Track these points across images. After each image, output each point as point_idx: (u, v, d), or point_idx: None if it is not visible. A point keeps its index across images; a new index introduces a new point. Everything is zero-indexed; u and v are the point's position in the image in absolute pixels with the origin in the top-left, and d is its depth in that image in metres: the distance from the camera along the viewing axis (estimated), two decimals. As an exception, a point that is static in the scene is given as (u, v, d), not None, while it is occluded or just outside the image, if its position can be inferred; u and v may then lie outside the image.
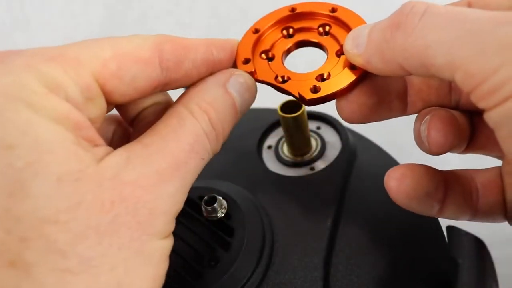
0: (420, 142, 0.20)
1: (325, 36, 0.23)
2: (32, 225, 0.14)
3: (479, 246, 0.18)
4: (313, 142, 0.28)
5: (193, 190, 0.25)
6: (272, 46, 0.23)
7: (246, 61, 0.22)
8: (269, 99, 0.29)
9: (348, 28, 0.22)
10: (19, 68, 0.15)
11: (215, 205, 0.23)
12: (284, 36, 0.24)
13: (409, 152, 0.25)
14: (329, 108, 0.27)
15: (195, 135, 0.17)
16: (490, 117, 0.15)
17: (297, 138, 0.26)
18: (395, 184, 0.20)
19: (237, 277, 0.21)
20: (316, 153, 0.27)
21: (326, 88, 0.20)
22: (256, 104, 0.34)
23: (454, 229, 0.19)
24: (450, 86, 0.21)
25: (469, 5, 0.19)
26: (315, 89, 0.20)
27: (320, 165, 0.26)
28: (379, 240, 0.23)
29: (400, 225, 0.23)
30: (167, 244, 0.17)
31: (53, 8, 0.56)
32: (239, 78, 0.20)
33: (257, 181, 0.26)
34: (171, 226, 0.17)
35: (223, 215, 0.23)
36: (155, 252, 0.16)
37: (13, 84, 0.15)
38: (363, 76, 0.20)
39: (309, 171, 0.26)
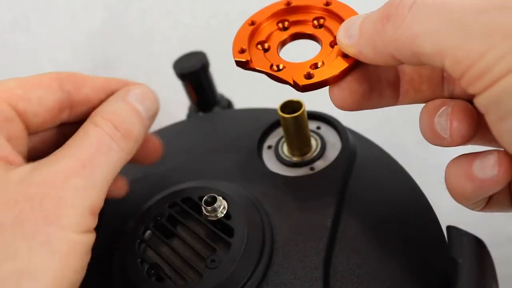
0: (434, 135, 0.19)
1: (319, 29, 0.23)
2: None
3: (479, 246, 0.18)
4: (313, 142, 0.28)
5: (193, 190, 0.25)
6: (268, 37, 0.24)
7: (242, 50, 0.23)
8: (269, 99, 0.29)
9: (341, 21, 0.22)
10: None
11: (215, 205, 0.23)
12: (280, 29, 0.24)
13: (409, 152, 0.25)
14: (329, 108, 0.27)
15: (99, 138, 0.20)
16: (479, 102, 0.15)
17: (297, 138, 0.26)
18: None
19: (237, 277, 0.21)
20: (316, 153, 0.27)
21: (320, 75, 0.21)
22: (256, 104, 0.34)
23: (454, 229, 0.19)
24: (442, 76, 0.21)
25: None
26: (309, 76, 0.21)
27: (320, 165, 0.26)
28: (379, 240, 0.23)
29: (400, 225, 0.23)
30: (84, 238, 0.18)
31: (53, 8, 0.56)
32: (136, 89, 0.23)
33: (257, 181, 0.26)
34: (89, 221, 0.18)
35: (223, 215, 0.23)
36: (65, 244, 0.17)
37: None
38: (356, 64, 0.20)
39: (309, 171, 0.26)
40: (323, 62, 0.21)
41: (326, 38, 0.23)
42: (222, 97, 0.42)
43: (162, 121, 0.38)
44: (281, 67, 0.22)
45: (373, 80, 0.21)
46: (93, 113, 0.21)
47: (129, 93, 0.22)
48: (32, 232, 0.16)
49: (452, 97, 0.21)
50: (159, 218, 0.24)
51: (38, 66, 0.55)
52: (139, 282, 0.21)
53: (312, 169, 0.26)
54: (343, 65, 0.21)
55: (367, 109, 0.22)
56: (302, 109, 0.25)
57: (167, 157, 0.30)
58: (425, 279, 0.21)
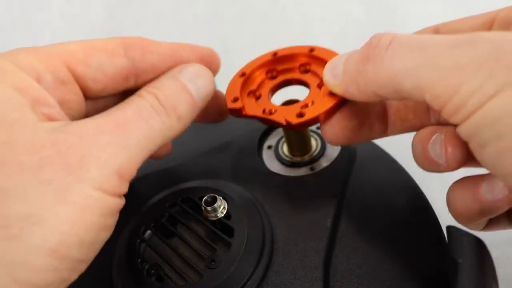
0: (429, 162, 0.20)
1: (306, 74, 0.25)
2: None
3: (479, 246, 0.18)
4: (313, 142, 0.28)
5: (193, 190, 0.25)
6: (259, 86, 0.26)
7: (235, 99, 0.25)
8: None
9: (325, 63, 0.23)
10: (0, 54, 0.18)
11: (215, 205, 0.23)
12: (269, 78, 0.26)
13: (409, 152, 0.25)
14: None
15: (139, 106, 0.19)
16: (461, 131, 0.16)
17: (297, 138, 0.26)
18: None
19: (237, 277, 0.21)
20: (316, 153, 0.27)
21: (310, 113, 0.22)
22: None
23: (454, 229, 0.19)
24: (427, 105, 0.22)
25: (437, 31, 0.22)
26: (300, 114, 0.22)
27: (320, 165, 0.26)
28: (379, 240, 0.23)
29: (400, 225, 0.23)
30: (106, 199, 0.17)
31: (53, 8, 0.56)
32: (189, 67, 0.22)
33: (257, 181, 0.26)
34: (114, 182, 0.17)
35: (223, 215, 0.23)
36: (81, 197, 0.16)
37: None
38: (343, 100, 0.22)
39: (309, 171, 0.26)
40: (312, 102, 0.23)
41: (313, 81, 0.25)
42: (222, 97, 0.42)
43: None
44: (273, 111, 0.23)
45: (362, 115, 0.22)
46: (141, 89, 0.21)
47: (182, 71, 0.22)
48: (50, 178, 0.15)
49: (439, 123, 0.21)
50: (159, 218, 0.24)
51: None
52: (139, 282, 0.21)
53: (312, 169, 0.26)
54: (331, 102, 0.22)
55: (358, 142, 0.23)
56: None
57: (167, 157, 0.30)
58: (425, 279, 0.21)
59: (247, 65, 0.27)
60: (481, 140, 0.15)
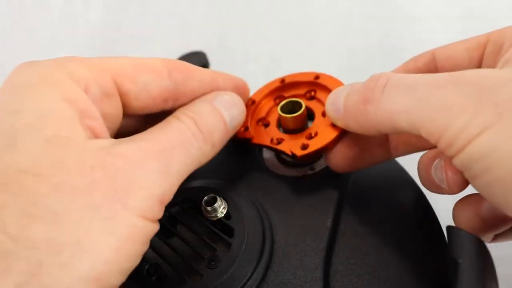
0: (433, 185, 0.21)
1: (311, 100, 0.26)
2: (13, 174, 0.15)
3: (479, 246, 0.18)
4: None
5: (193, 190, 0.25)
6: (267, 114, 0.27)
7: (246, 128, 0.26)
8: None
9: (330, 91, 0.25)
10: (47, 62, 0.18)
11: (215, 205, 0.23)
12: (277, 105, 0.27)
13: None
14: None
15: (180, 130, 0.19)
16: (455, 163, 0.17)
17: (293, 126, 0.26)
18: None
19: (237, 277, 0.21)
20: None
21: (313, 145, 0.23)
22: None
23: (454, 229, 0.19)
24: None
25: (433, 56, 0.23)
26: (304, 147, 0.24)
27: (320, 165, 0.26)
28: (379, 240, 0.23)
29: (400, 225, 0.23)
30: (146, 226, 0.17)
31: (53, 8, 0.56)
32: (224, 95, 0.22)
33: (257, 181, 0.26)
34: (155, 209, 0.17)
35: (223, 215, 0.23)
36: (126, 226, 0.16)
37: (37, 71, 0.18)
38: (344, 132, 0.23)
39: (309, 171, 0.26)
40: (316, 132, 0.24)
41: (318, 108, 0.26)
42: (222, 97, 0.42)
43: (162, 121, 0.38)
44: (280, 140, 0.25)
45: (362, 144, 0.23)
46: (177, 111, 0.21)
47: (217, 97, 0.22)
48: (98, 204, 0.15)
49: None
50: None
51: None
52: (139, 282, 0.21)
53: (312, 169, 0.26)
54: (333, 134, 0.23)
55: (361, 168, 0.24)
56: (302, 109, 0.25)
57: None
58: (425, 279, 0.21)
59: (257, 93, 0.28)
60: (472, 172, 0.17)
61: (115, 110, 0.20)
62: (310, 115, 0.26)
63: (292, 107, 0.25)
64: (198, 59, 0.37)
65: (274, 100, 0.27)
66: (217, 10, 0.57)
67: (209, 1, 0.57)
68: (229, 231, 0.22)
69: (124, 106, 0.20)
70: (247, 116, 0.26)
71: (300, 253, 0.22)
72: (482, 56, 0.21)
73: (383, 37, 0.53)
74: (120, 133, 0.21)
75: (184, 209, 0.24)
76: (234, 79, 0.24)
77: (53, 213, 0.15)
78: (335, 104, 0.22)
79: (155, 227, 0.17)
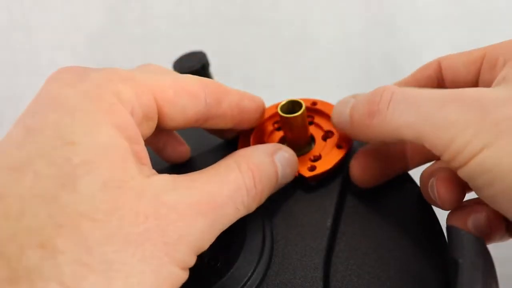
0: (431, 200, 0.23)
1: (310, 125, 0.27)
2: (71, 216, 0.15)
3: (479, 246, 0.18)
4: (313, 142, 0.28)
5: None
6: (268, 137, 0.28)
7: None
8: (269, 99, 0.29)
9: (327, 116, 0.27)
10: (93, 78, 0.18)
11: (215, 205, 0.22)
12: (276, 129, 0.28)
13: (409, 152, 0.25)
14: (329, 108, 0.27)
15: (237, 185, 0.19)
16: (460, 175, 0.18)
17: (297, 138, 0.26)
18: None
19: (237, 277, 0.21)
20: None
21: (321, 166, 0.24)
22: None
23: (454, 229, 0.19)
24: None
25: (439, 65, 0.24)
26: (312, 168, 0.25)
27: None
28: (379, 240, 0.23)
29: (400, 225, 0.23)
30: (183, 276, 0.17)
31: (53, 8, 0.56)
32: (285, 153, 0.23)
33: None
34: (192, 260, 0.17)
35: (223, 215, 0.23)
36: (170, 278, 0.16)
37: (84, 90, 0.17)
38: (349, 153, 0.25)
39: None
40: (320, 155, 0.25)
41: (317, 133, 0.27)
42: (222, 97, 0.42)
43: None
44: None
45: (384, 158, 0.24)
46: (238, 154, 0.21)
47: (278, 153, 0.22)
48: (149, 256, 0.15)
49: None
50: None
51: (38, 66, 0.55)
52: (139, 282, 0.21)
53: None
54: (339, 155, 0.25)
55: (383, 181, 0.25)
56: (302, 109, 0.25)
57: (167, 157, 0.30)
58: (425, 279, 0.21)
59: None
60: (477, 184, 0.18)
61: (150, 131, 0.20)
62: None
63: (292, 107, 0.25)
64: (198, 59, 0.37)
65: (273, 124, 0.28)
66: (217, 11, 0.57)
67: (209, 1, 0.57)
68: (229, 231, 0.22)
69: (159, 125, 0.20)
70: (247, 139, 0.27)
71: (300, 253, 0.22)
72: (479, 70, 0.22)
73: (383, 37, 0.53)
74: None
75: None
76: (256, 100, 0.25)
77: (106, 263, 0.15)
78: (341, 118, 0.23)
79: (187, 274, 0.18)
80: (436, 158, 0.24)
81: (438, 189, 0.21)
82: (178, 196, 0.17)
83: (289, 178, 0.23)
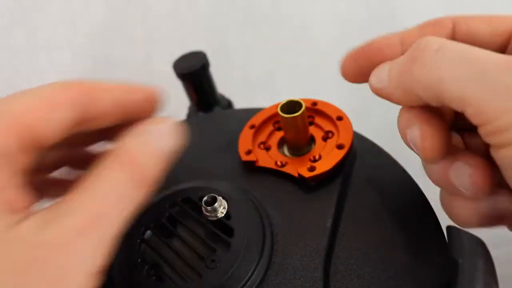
0: (450, 187, 0.20)
1: (310, 126, 0.27)
2: None
3: (479, 246, 0.18)
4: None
5: (193, 190, 0.25)
6: (268, 138, 0.28)
7: (248, 152, 0.27)
8: (269, 99, 0.29)
9: (327, 117, 0.27)
10: None
11: (215, 205, 0.23)
12: (276, 129, 0.28)
13: (409, 152, 0.25)
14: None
15: (112, 187, 0.17)
16: (497, 155, 0.16)
17: (297, 138, 0.26)
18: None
19: (237, 277, 0.21)
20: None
21: (321, 167, 0.24)
22: (256, 104, 0.34)
23: (454, 229, 0.19)
24: None
25: (453, 26, 0.21)
26: (311, 168, 0.24)
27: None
28: (379, 240, 0.23)
29: (400, 225, 0.23)
30: None
31: (53, 7, 0.56)
32: (159, 127, 0.21)
33: (257, 181, 0.26)
34: (93, 282, 0.16)
35: (223, 215, 0.23)
36: None
37: None
38: (349, 153, 0.25)
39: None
40: (320, 155, 0.25)
41: (317, 133, 0.27)
42: (222, 97, 0.42)
43: (162, 121, 0.38)
44: (284, 163, 0.26)
45: (493, 203, 0.20)
46: (109, 152, 0.19)
47: (151, 131, 0.20)
48: None
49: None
50: (159, 218, 0.24)
51: (38, 66, 0.55)
52: (139, 282, 0.21)
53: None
54: (339, 155, 0.24)
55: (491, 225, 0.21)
56: (302, 109, 0.25)
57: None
58: (425, 279, 0.21)
59: (255, 117, 0.29)
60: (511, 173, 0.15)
61: (31, 159, 0.18)
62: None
63: (292, 107, 0.25)
64: (198, 59, 0.37)
65: (273, 124, 0.28)
66: (217, 11, 0.57)
67: (209, 1, 0.57)
68: (229, 231, 0.22)
69: (38, 148, 0.18)
70: (248, 139, 0.27)
71: (300, 253, 0.22)
72: (506, 45, 0.20)
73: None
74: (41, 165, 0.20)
75: (184, 209, 0.24)
76: (143, 90, 0.22)
77: None
78: (378, 76, 0.21)
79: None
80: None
81: (476, 178, 0.18)
82: (51, 230, 0.16)
83: (177, 146, 0.21)
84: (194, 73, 0.36)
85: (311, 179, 0.24)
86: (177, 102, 0.48)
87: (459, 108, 0.16)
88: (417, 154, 0.20)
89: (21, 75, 0.53)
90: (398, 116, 0.21)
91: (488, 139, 0.16)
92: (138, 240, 0.23)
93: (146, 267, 0.22)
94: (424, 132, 0.19)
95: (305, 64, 0.56)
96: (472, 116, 0.16)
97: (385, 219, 0.24)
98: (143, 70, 0.57)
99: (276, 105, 0.28)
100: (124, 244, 0.23)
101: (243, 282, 0.21)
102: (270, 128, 0.28)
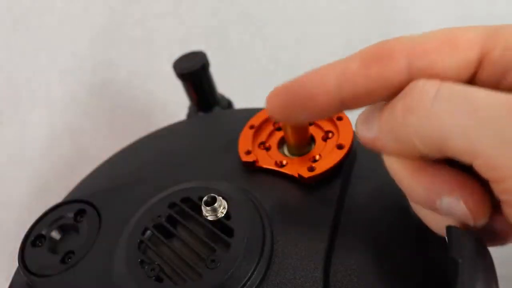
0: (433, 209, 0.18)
1: (310, 126, 0.27)
2: None
3: (479, 246, 0.18)
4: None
5: (192, 190, 0.25)
6: (268, 138, 0.28)
7: (248, 152, 0.27)
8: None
9: (328, 117, 0.26)
10: None
11: (215, 205, 0.23)
12: (276, 129, 0.28)
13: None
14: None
15: None
16: (502, 198, 0.15)
17: (297, 138, 0.26)
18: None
19: (237, 277, 0.21)
20: (316, 153, 0.27)
21: (320, 167, 0.24)
22: (256, 104, 0.34)
23: (454, 229, 0.19)
24: None
25: (408, 60, 0.17)
26: (311, 168, 0.24)
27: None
28: (379, 240, 0.23)
29: (400, 225, 0.23)
30: None
31: (53, 7, 0.56)
32: None
33: (257, 181, 0.26)
34: None
35: (223, 215, 0.23)
36: None
37: None
38: (349, 153, 0.25)
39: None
40: (320, 155, 0.25)
41: (317, 133, 0.27)
42: (222, 97, 0.42)
43: (162, 121, 0.38)
44: (284, 163, 0.26)
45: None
46: None
47: None
48: None
49: None
50: (159, 218, 0.24)
51: (38, 66, 0.55)
52: (139, 282, 0.21)
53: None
54: (339, 155, 0.24)
55: None
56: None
57: (167, 157, 0.30)
58: (425, 279, 0.21)
59: (255, 117, 0.29)
60: None
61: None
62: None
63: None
64: (198, 59, 0.37)
65: (273, 124, 0.28)
66: (217, 10, 0.57)
67: (209, 1, 0.57)
68: (229, 231, 0.22)
69: None
70: (248, 140, 0.27)
71: (300, 253, 0.22)
72: (475, 73, 0.17)
73: (383, 37, 0.53)
74: None
75: (183, 209, 0.24)
76: None
77: None
78: (366, 123, 0.18)
79: None
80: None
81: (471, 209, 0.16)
82: None
83: None
84: (194, 73, 0.36)
85: (311, 179, 0.24)
86: (177, 102, 0.49)
87: (465, 160, 0.15)
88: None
89: (22, 75, 0.53)
90: (409, 179, 0.18)
91: (504, 197, 0.15)
92: (138, 240, 0.23)
93: (146, 267, 0.22)
94: (469, 203, 0.16)
95: (305, 64, 0.56)
96: (482, 170, 0.14)
97: (385, 219, 0.24)
98: (143, 70, 0.57)
99: None
100: (124, 245, 0.23)
101: (243, 282, 0.21)
102: (270, 128, 0.28)
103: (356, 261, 0.22)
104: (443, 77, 0.16)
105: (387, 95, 0.17)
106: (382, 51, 0.17)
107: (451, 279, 0.18)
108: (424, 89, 0.16)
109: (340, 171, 0.25)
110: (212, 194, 0.23)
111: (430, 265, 0.21)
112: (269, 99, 0.19)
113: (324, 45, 0.57)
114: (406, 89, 0.16)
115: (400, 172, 0.18)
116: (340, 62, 0.18)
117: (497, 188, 0.15)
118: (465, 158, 0.15)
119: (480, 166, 0.14)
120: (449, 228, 0.19)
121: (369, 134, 0.18)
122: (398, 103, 0.16)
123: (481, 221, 0.17)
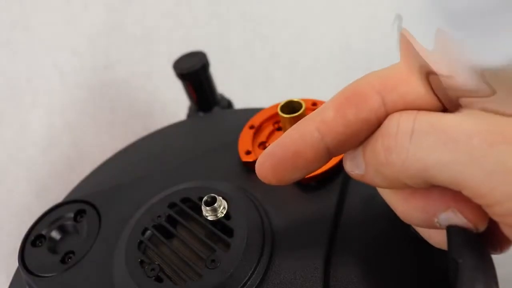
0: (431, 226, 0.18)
1: None
2: None
3: (479, 246, 0.18)
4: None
5: (192, 190, 0.25)
6: (268, 138, 0.28)
7: (248, 152, 0.27)
8: (269, 99, 0.29)
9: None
10: None
11: (215, 205, 0.23)
12: (276, 129, 0.28)
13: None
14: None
15: None
16: (508, 232, 0.15)
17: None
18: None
19: (237, 277, 0.21)
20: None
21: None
22: (256, 104, 0.34)
23: (454, 229, 0.19)
24: None
25: (381, 96, 0.17)
26: None
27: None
28: (379, 241, 0.23)
29: (400, 225, 0.23)
30: None
31: (53, 7, 0.56)
32: None
33: (257, 181, 0.26)
34: None
35: (223, 215, 0.23)
36: None
37: None
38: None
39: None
40: None
41: None
42: (222, 97, 0.42)
43: (162, 121, 0.38)
44: None
45: None
46: None
47: None
48: None
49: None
50: (159, 219, 0.24)
51: (38, 66, 0.55)
52: (139, 282, 0.21)
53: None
54: (336, 158, 0.24)
55: None
56: (302, 109, 0.25)
57: (167, 157, 0.30)
58: (425, 279, 0.21)
59: (255, 118, 0.29)
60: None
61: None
62: None
63: (292, 107, 0.25)
64: (198, 59, 0.37)
65: (273, 124, 0.28)
66: (217, 11, 0.57)
67: (209, 1, 0.57)
68: (229, 231, 0.22)
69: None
70: (248, 140, 0.27)
71: (300, 253, 0.22)
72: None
73: (383, 37, 0.53)
74: None
75: (183, 210, 0.24)
76: None
77: None
78: (354, 161, 0.18)
79: None
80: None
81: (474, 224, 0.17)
82: None
83: None
84: (194, 73, 0.36)
85: (311, 179, 0.24)
86: (177, 102, 0.49)
87: (453, 188, 0.15)
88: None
89: (22, 75, 0.53)
90: (403, 206, 0.18)
91: (497, 218, 0.15)
92: (138, 240, 0.23)
93: (146, 267, 0.22)
94: (466, 213, 0.17)
95: (305, 64, 0.56)
96: (471, 197, 0.15)
97: (385, 219, 0.24)
98: (143, 70, 0.57)
99: (276, 105, 0.28)
100: (124, 245, 0.23)
101: (243, 282, 0.21)
102: (270, 128, 0.28)
103: (356, 261, 0.22)
104: (418, 106, 0.16)
105: (370, 132, 0.17)
106: (354, 94, 0.17)
107: (451, 279, 0.18)
108: (400, 126, 0.16)
109: (340, 171, 0.25)
110: (212, 194, 0.23)
111: (430, 265, 0.21)
112: (258, 168, 0.19)
113: (323, 45, 0.56)
114: (383, 126, 0.16)
115: (394, 201, 0.18)
116: (316, 113, 0.18)
117: (489, 212, 0.15)
118: (453, 187, 0.15)
119: (468, 195, 0.14)
120: (449, 229, 0.19)
121: (357, 171, 0.18)
122: (377, 143, 0.16)
123: (483, 226, 0.17)
